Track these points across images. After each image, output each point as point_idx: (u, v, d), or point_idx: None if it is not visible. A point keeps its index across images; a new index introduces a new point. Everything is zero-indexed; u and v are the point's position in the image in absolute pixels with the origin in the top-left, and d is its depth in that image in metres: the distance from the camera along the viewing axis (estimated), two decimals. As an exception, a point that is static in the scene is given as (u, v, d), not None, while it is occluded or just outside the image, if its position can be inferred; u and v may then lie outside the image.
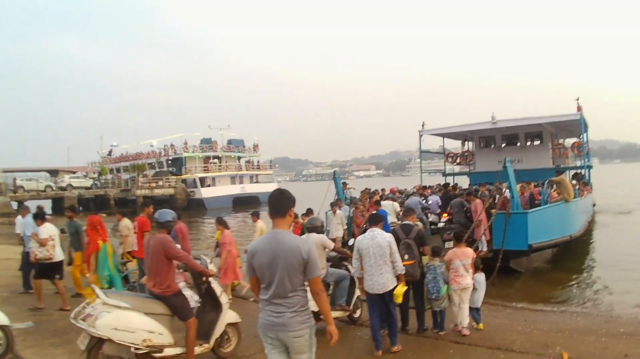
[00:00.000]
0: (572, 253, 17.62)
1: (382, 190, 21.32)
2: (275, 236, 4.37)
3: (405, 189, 23.59)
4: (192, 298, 7.24)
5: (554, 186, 17.22)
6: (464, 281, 8.45)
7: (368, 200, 17.95)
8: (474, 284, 8.64)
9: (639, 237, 21.87)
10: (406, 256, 8.11)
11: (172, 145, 66.09)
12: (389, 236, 7.59)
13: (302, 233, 11.49)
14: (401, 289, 7.46)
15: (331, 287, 8.95)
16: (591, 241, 21.16)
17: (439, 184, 23.32)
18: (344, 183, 20.97)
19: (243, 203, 59.56)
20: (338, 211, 15.84)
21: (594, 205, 28.90)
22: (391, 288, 7.43)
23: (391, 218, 15.53)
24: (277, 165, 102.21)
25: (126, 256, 12.89)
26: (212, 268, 7.39)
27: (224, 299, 7.31)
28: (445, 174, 31.47)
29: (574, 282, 14.27)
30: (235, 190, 62.81)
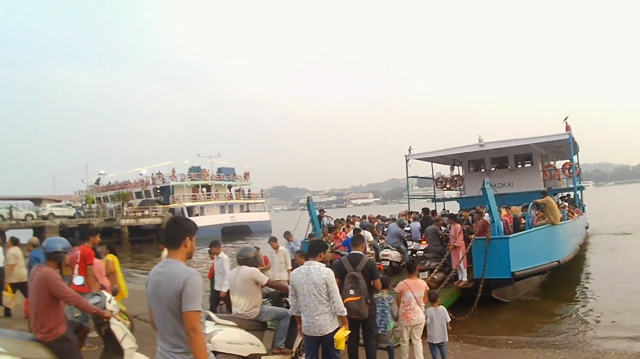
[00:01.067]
0: (562, 280, 16.53)
1: (363, 217, 19.99)
2: (164, 265, 3.98)
3: (392, 216, 22.45)
4: None
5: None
6: (416, 316, 7.59)
7: (345, 227, 16.62)
8: (428, 319, 7.77)
9: (634, 262, 20.57)
10: (352, 291, 7.00)
11: (159, 174, 65.33)
12: (327, 272, 6.32)
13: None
14: (342, 333, 6.24)
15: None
16: (583, 266, 20.06)
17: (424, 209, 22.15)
18: (321, 210, 19.78)
19: (233, 232, 58.37)
20: (281, 247, 13.38)
21: (587, 227, 28.01)
22: (330, 331, 6.22)
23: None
24: (268, 194, 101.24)
25: (8, 288, 11.93)
26: (112, 307, 6.23)
27: (127, 343, 6.15)
28: (435, 200, 30.55)
29: (562, 312, 13.10)
30: (225, 219, 61.78)
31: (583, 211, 24.80)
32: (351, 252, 7.69)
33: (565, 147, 23.11)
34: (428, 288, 8.10)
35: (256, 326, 7.44)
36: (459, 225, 13.41)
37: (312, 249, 6.70)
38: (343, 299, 6.57)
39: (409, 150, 25.22)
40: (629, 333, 10.86)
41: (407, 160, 25.26)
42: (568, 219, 18.42)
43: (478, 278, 12.75)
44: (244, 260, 7.65)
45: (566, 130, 21.12)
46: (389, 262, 14.95)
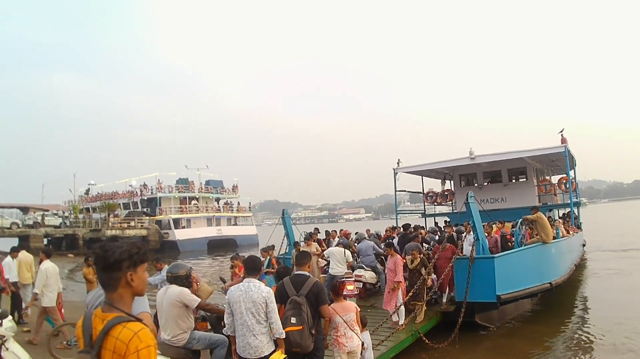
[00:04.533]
0: (555, 304, 15.28)
1: (335, 231, 18.15)
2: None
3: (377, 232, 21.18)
4: None
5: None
6: (349, 342, 6.74)
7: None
8: (365, 345, 7.17)
9: (635, 282, 19.37)
10: (293, 320, 5.92)
11: (144, 185, 64.00)
12: (267, 291, 5.63)
13: None
14: (278, 356, 5.52)
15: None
16: (579, 288, 18.76)
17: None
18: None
19: (219, 246, 57.52)
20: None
21: (584, 245, 26.82)
22: (266, 353, 5.60)
23: (341, 269, 13.01)
24: (257, 207, 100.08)
25: None
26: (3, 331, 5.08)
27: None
28: (425, 215, 29.86)
29: (554, 340, 11.87)
30: (211, 232, 60.77)
31: (579, 228, 23.63)
32: (295, 272, 6.47)
33: (561, 160, 22.17)
34: (359, 310, 7.20)
35: (185, 354, 6.38)
36: (399, 257, 11.52)
37: (248, 266, 5.97)
38: (283, 328, 5.70)
39: (398, 163, 24.51)
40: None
41: (395, 173, 24.60)
42: (562, 237, 17.22)
43: (460, 301, 11.60)
44: (174, 278, 6.55)
45: (562, 143, 20.18)
46: (362, 284, 13.76)
